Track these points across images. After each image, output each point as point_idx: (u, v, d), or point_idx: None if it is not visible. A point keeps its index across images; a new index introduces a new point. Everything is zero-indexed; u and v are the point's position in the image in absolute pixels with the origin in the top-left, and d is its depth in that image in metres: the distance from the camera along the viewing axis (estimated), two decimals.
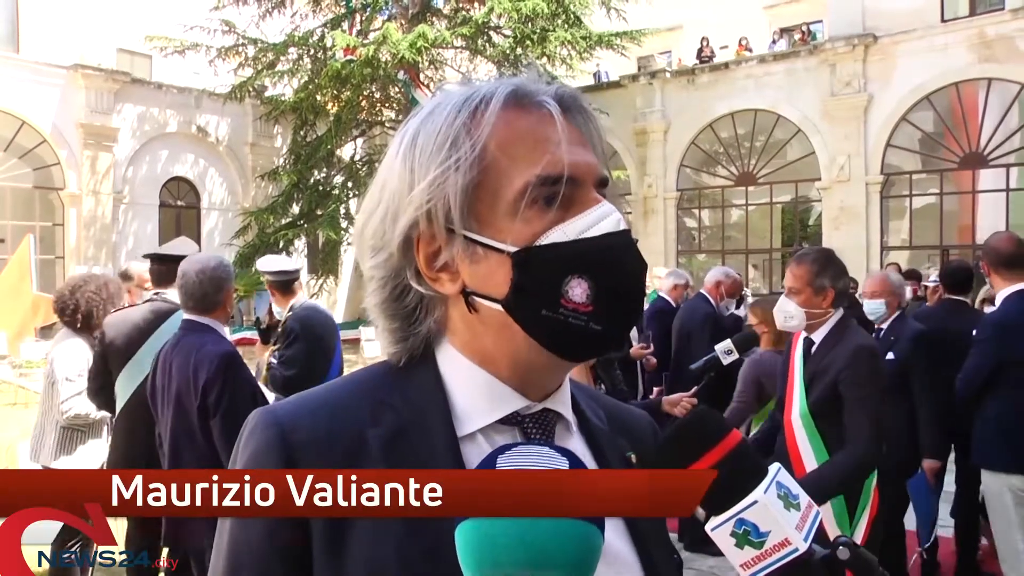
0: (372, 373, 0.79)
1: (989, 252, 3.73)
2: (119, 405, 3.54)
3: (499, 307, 0.70)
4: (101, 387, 3.56)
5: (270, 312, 4.89)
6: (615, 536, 0.74)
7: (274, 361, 4.04)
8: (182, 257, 3.70)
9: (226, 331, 3.06)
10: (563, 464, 0.59)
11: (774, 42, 20.02)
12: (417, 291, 0.74)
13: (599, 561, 0.70)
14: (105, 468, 3.65)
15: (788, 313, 2.90)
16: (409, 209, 0.71)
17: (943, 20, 15.85)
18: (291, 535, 0.68)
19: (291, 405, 0.75)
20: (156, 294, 3.65)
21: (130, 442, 3.48)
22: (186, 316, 3.02)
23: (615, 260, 0.70)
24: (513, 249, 0.69)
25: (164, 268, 3.67)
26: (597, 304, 0.68)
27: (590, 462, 0.77)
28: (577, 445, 0.77)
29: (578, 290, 0.68)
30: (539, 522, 0.56)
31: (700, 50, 20.14)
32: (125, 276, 4.65)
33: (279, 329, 4.64)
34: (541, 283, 0.68)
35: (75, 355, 3.74)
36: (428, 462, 0.69)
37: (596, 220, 0.70)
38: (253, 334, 6.42)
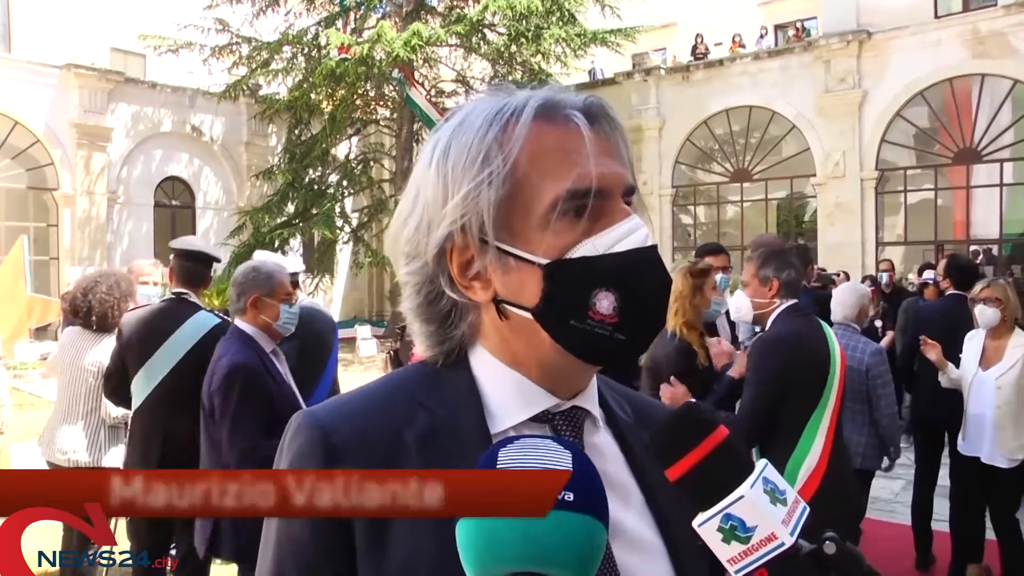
0: (408, 375, 0.83)
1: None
2: (134, 405, 3.50)
3: (529, 315, 0.73)
4: (117, 386, 3.52)
5: None
6: (640, 522, 0.77)
7: None
8: (208, 256, 3.62)
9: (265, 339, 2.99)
10: (566, 456, 0.59)
11: (762, 37, 20.01)
12: (451, 298, 0.77)
13: (627, 548, 0.73)
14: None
15: (737, 305, 3.10)
16: (444, 222, 0.74)
17: (936, 16, 15.86)
18: (334, 527, 0.71)
19: (331, 407, 0.79)
20: (176, 293, 3.53)
21: (145, 445, 3.45)
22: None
23: (640, 275, 0.73)
24: (544, 261, 0.72)
25: (191, 266, 3.56)
26: (622, 316, 0.71)
27: (617, 455, 0.80)
28: (605, 439, 0.81)
29: (605, 302, 0.71)
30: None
31: (694, 47, 20.12)
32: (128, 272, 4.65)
33: None
34: (570, 295, 0.72)
35: None
36: (463, 460, 0.71)
37: (624, 235, 0.73)
38: None
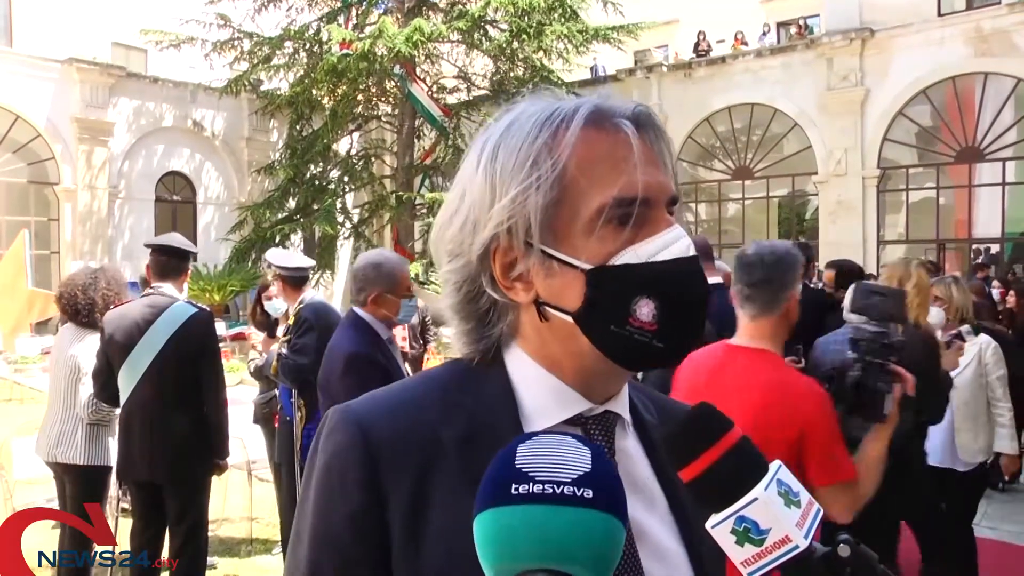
0: (444, 372, 0.83)
1: (707, 247, 4.03)
2: (122, 400, 3.55)
3: (570, 319, 0.74)
4: (105, 383, 3.59)
5: (262, 309, 4.87)
6: (663, 528, 0.78)
7: (284, 351, 4.06)
8: (183, 251, 3.72)
9: (381, 328, 3.05)
10: (585, 453, 0.59)
11: (764, 34, 19.99)
12: (490, 296, 0.78)
13: (651, 554, 0.73)
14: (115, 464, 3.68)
15: None
16: (490, 224, 0.75)
17: (940, 14, 15.84)
18: (372, 524, 0.72)
19: (368, 404, 0.80)
20: (154, 287, 3.64)
21: (134, 438, 3.50)
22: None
23: (681, 284, 0.74)
24: (588, 267, 0.73)
25: (166, 260, 3.67)
26: (662, 324, 0.72)
27: (643, 458, 0.81)
28: (633, 443, 0.82)
29: (645, 310, 0.72)
30: (560, 513, 0.55)
31: (697, 44, 20.11)
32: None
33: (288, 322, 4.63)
34: (612, 301, 0.72)
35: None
36: None
37: (666, 244, 0.73)
38: (246, 329, 6.42)
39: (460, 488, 0.71)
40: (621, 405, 0.81)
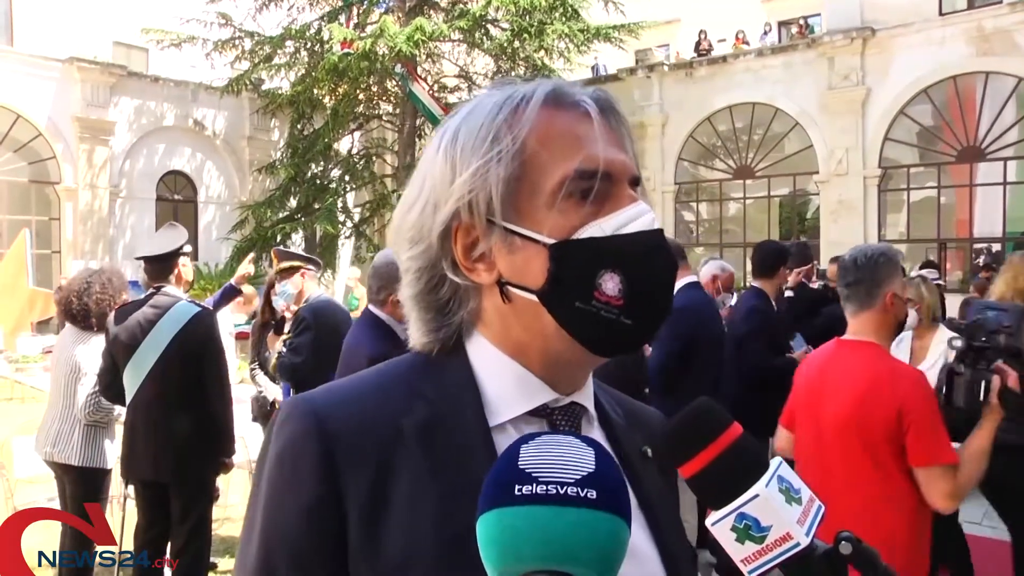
0: (404, 363, 0.81)
1: (678, 249, 4.23)
2: (127, 400, 3.57)
3: (534, 297, 0.72)
4: (110, 383, 3.61)
5: (271, 307, 4.83)
6: (635, 529, 0.76)
7: (283, 350, 4.06)
8: (169, 254, 3.71)
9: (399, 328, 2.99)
10: (589, 454, 0.58)
11: (765, 33, 19.97)
12: (452, 283, 0.76)
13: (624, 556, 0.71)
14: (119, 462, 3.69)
15: None
16: (451, 200, 0.73)
17: (941, 13, 15.80)
18: (328, 517, 0.69)
19: (326, 393, 0.77)
20: (156, 287, 3.65)
21: (139, 438, 3.52)
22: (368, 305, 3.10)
23: (647, 257, 0.72)
24: (551, 241, 0.71)
25: (151, 267, 3.70)
26: (628, 299, 0.70)
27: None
28: (597, 437, 0.79)
29: (611, 284, 0.70)
30: (564, 514, 0.54)
31: (698, 43, 20.08)
32: None
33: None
34: (576, 276, 0.70)
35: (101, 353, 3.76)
36: (462, 451, 0.70)
37: (631, 218, 0.72)
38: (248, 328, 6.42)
39: (421, 480, 0.69)
40: (586, 398, 0.79)
